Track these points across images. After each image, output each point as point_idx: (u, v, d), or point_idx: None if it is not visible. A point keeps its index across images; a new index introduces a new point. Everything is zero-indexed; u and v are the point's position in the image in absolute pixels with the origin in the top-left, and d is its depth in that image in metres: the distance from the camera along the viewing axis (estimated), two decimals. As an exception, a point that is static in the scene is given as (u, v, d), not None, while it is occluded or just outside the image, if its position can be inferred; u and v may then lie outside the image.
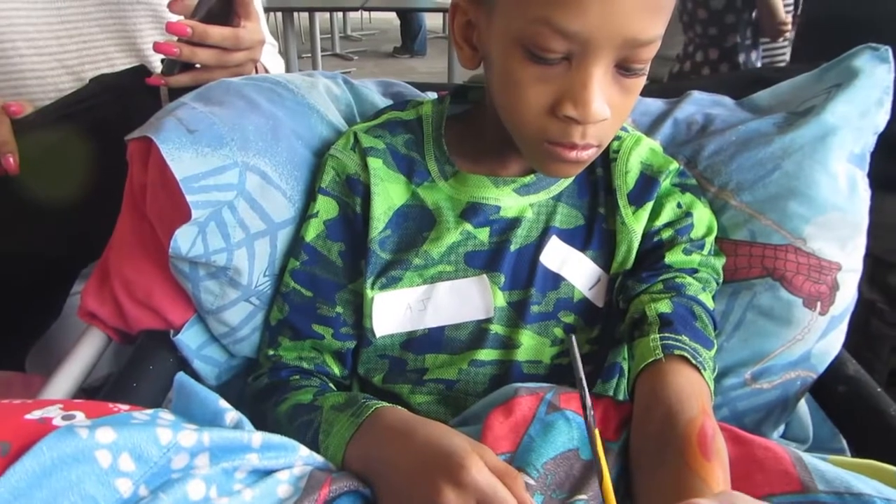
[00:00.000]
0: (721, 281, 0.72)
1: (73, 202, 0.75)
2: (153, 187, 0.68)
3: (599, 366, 0.70)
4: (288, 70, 0.98)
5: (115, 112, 0.80)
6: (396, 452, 0.53)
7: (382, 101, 0.85)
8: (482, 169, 0.70)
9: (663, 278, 0.67)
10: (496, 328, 0.68)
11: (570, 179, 0.71)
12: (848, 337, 0.74)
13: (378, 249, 0.69)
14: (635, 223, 0.69)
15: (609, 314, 0.70)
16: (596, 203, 0.71)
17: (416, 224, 0.70)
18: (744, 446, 0.56)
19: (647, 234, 0.69)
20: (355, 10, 4.97)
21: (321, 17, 4.81)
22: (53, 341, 0.91)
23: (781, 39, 2.06)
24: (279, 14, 4.11)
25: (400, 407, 0.59)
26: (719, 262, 0.72)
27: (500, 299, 0.68)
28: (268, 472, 0.50)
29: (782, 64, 2.12)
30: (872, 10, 1.37)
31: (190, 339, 0.72)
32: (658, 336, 0.61)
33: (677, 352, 0.59)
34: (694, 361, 0.59)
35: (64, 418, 0.44)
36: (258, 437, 0.50)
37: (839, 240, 0.70)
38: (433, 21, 6.14)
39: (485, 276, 0.68)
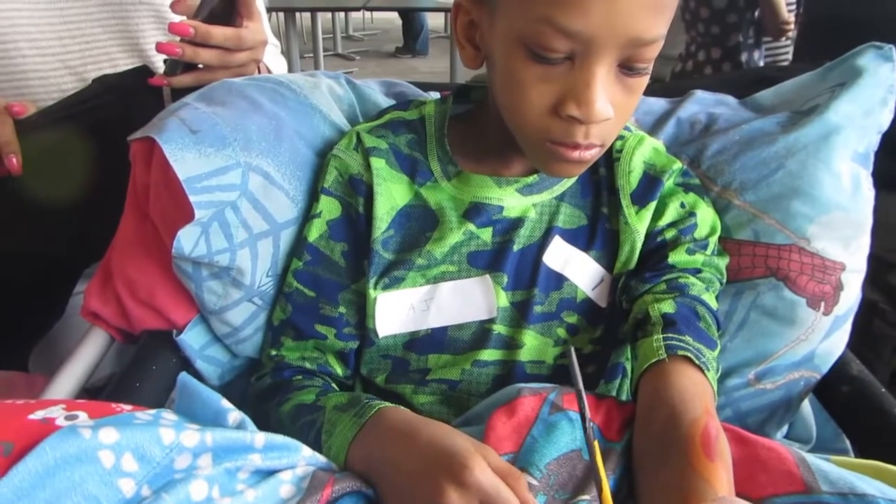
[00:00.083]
0: (724, 281, 0.72)
1: (75, 202, 0.75)
2: (156, 187, 0.68)
3: (602, 366, 0.70)
4: (290, 70, 0.98)
5: (117, 112, 0.80)
6: (399, 453, 0.53)
7: (385, 101, 0.85)
8: (485, 169, 0.70)
9: (667, 278, 0.67)
10: (499, 328, 0.68)
11: (573, 179, 0.70)
12: (850, 337, 0.74)
13: (381, 249, 0.69)
14: (638, 223, 0.69)
15: (612, 314, 0.69)
16: (599, 203, 0.71)
17: (419, 224, 0.70)
18: (747, 447, 0.56)
19: (651, 234, 0.69)
20: (357, 10, 4.97)
21: (323, 17, 4.80)
22: (56, 341, 0.91)
23: (784, 38, 2.06)
24: (281, 14, 4.11)
25: (403, 407, 0.59)
26: (723, 262, 0.71)
27: (503, 299, 0.68)
28: (270, 473, 0.50)
29: (785, 63, 2.12)
30: (872, 10, 1.38)
31: (193, 339, 0.72)
32: (661, 336, 0.61)
33: (681, 352, 0.59)
34: (697, 362, 0.59)
35: (67, 418, 0.44)
36: (261, 437, 0.50)
37: (843, 239, 0.70)
38: (435, 21, 6.14)
39: (488, 276, 0.68)
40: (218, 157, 0.65)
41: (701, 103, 0.84)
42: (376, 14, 6.78)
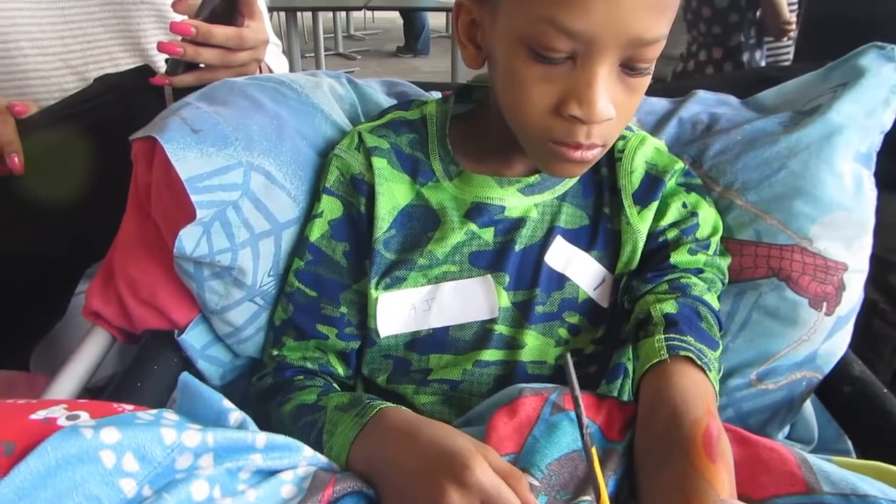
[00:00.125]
0: (726, 281, 0.72)
1: (76, 202, 0.75)
2: (157, 187, 0.68)
3: (604, 366, 0.70)
4: (291, 70, 0.98)
5: (119, 112, 0.80)
6: (400, 453, 0.53)
7: (386, 101, 0.85)
8: (487, 169, 0.70)
9: (668, 278, 0.66)
10: (501, 328, 0.68)
11: (575, 179, 0.70)
12: (851, 337, 0.73)
13: (382, 249, 0.69)
14: (640, 223, 0.69)
15: (614, 314, 0.69)
16: (601, 203, 0.71)
17: (421, 224, 0.70)
18: (749, 447, 0.56)
19: (653, 234, 0.69)
20: (358, 9, 4.97)
21: (324, 17, 4.81)
22: (58, 341, 0.91)
23: (786, 39, 2.06)
24: (282, 14, 4.11)
25: (404, 407, 0.59)
26: (725, 263, 0.71)
27: (505, 299, 0.68)
28: (272, 473, 0.50)
29: (786, 63, 2.12)
30: (874, 10, 1.37)
31: (194, 338, 0.72)
32: (663, 337, 0.61)
33: (682, 352, 0.59)
34: (699, 362, 0.58)
35: (68, 418, 0.44)
36: (262, 437, 0.50)
37: (845, 239, 0.70)
38: (436, 20, 6.13)
39: (489, 276, 0.68)
40: (219, 156, 0.65)
41: (703, 103, 0.84)
42: (377, 13, 6.78)
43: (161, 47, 0.75)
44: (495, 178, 0.69)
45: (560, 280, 0.69)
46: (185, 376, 0.56)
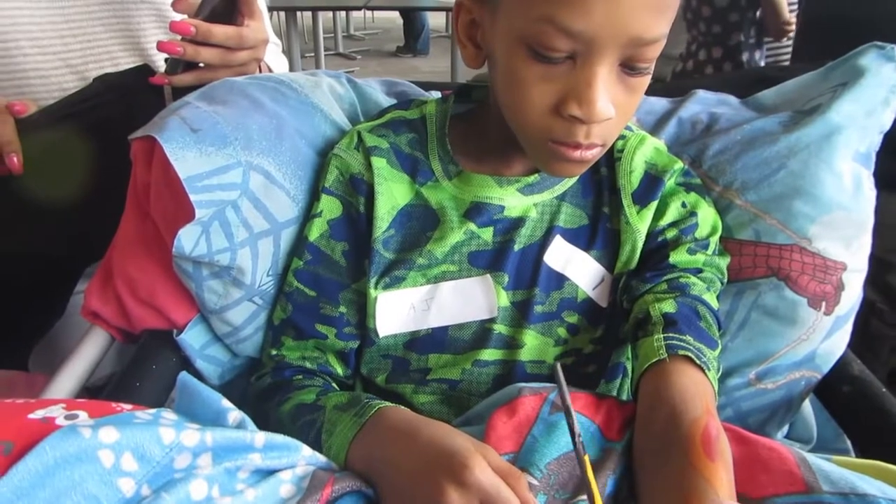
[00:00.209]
0: (726, 280, 0.72)
1: (76, 201, 0.75)
2: (157, 186, 0.68)
3: (603, 366, 0.70)
4: (291, 69, 0.98)
5: (118, 111, 0.80)
6: (399, 452, 0.53)
7: (386, 101, 0.85)
8: (486, 168, 0.70)
9: (667, 278, 0.66)
10: (500, 328, 0.68)
11: (575, 179, 0.70)
12: (850, 337, 0.73)
13: (382, 249, 0.69)
14: (640, 223, 0.69)
15: (613, 314, 0.69)
16: (600, 202, 0.71)
17: (420, 224, 0.70)
18: (748, 446, 0.56)
19: (652, 234, 0.69)
20: (358, 9, 4.97)
21: (324, 17, 4.81)
22: (57, 340, 0.91)
23: (785, 39, 2.06)
24: (282, 13, 4.11)
25: (403, 407, 0.59)
26: (724, 262, 0.71)
27: (504, 299, 0.68)
28: (270, 472, 0.50)
29: (786, 63, 2.12)
30: (873, 10, 1.37)
31: (193, 338, 0.72)
32: (662, 336, 0.61)
33: (681, 352, 0.59)
34: (698, 361, 0.58)
35: (67, 418, 0.44)
36: (261, 436, 0.50)
37: (844, 239, 0.70)
38: (436, 20, 6.14)
39: (488, 275, 0.68)
40: (219, 156, 0.65)
41: (702, 103, 0.84)
42: (377, 13, 6.78)
43: (161, 46, 0.75)
44: (494, 178, 0.69)
45: (559, 280, 0.69)
46: (184, 376, 0.56)
